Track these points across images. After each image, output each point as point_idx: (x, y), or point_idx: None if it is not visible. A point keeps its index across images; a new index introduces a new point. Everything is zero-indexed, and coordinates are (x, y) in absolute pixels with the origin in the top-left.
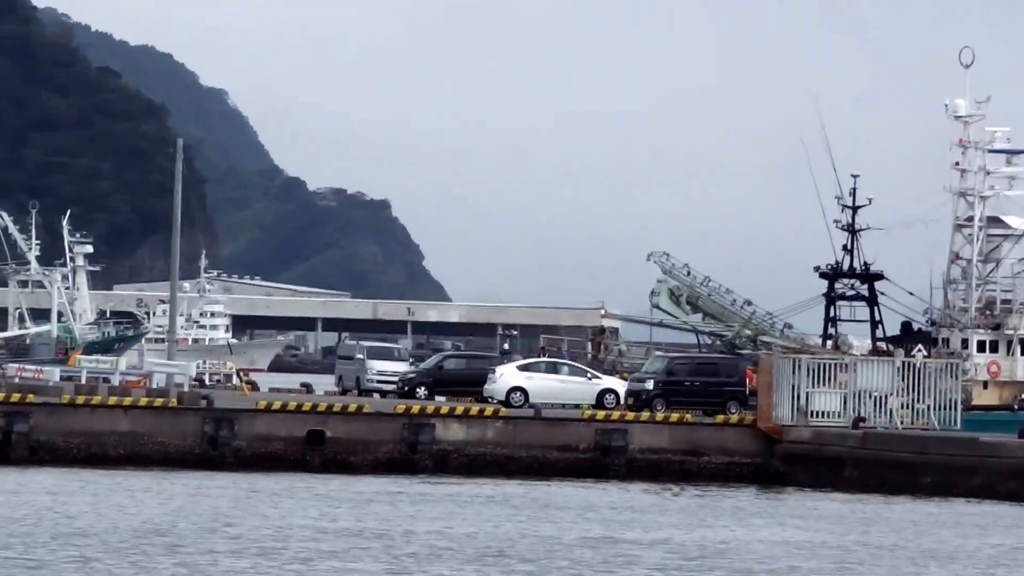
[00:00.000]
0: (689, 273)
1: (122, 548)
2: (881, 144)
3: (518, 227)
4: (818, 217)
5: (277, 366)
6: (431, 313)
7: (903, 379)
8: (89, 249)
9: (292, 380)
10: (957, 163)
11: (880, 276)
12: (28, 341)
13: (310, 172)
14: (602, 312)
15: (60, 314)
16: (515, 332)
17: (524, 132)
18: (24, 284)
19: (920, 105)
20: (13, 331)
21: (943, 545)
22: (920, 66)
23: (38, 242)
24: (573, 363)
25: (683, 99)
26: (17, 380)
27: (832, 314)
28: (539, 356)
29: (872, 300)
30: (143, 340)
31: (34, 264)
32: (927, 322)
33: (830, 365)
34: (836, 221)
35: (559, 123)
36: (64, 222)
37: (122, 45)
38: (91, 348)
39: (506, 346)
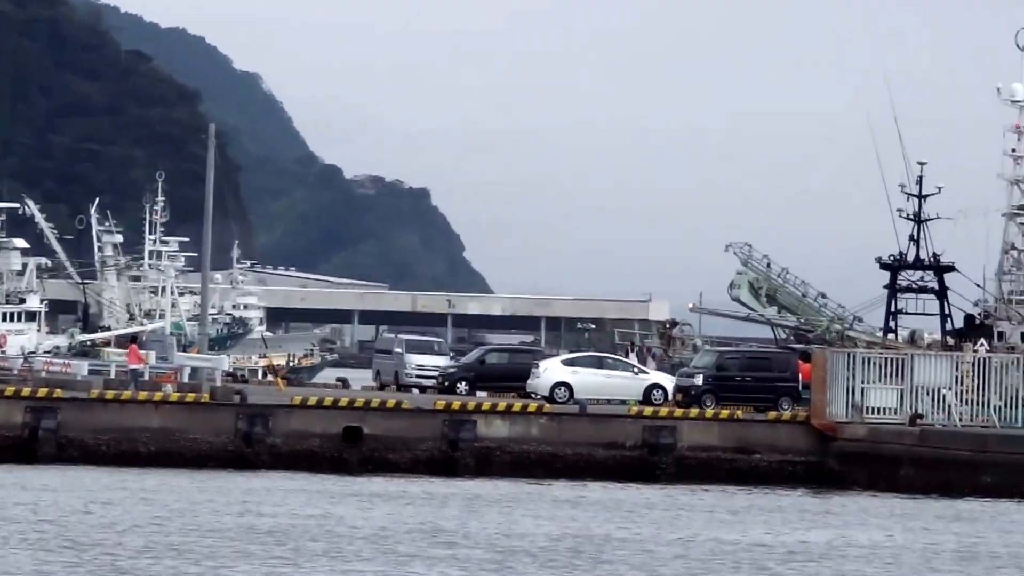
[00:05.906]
0: (769, 265)
1: None
2: (951, 129)
3: (564, 214)
4: (883, 205)
5: None
6: (472, 305)
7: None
8: (119, 239)
9: (328, 375)
10: (1013, 149)
11: (951, 268)
12: (144, 338)
13: (347, 160)
14: (690, 305)
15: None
16: (592, 326)
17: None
18: (136, 279)
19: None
20: (125, 329)
21: None
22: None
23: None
24: (618, 357)
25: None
26: (44, 374)
27: (894, 307)
28: (629, 352)
29: (941, 293)
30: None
31: (147, 258)
32: (980, 315)
33: (886, 360)
34: (900, 210)
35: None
36: (92, 210)
37: (152, 27)
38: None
39: (627, 341)
